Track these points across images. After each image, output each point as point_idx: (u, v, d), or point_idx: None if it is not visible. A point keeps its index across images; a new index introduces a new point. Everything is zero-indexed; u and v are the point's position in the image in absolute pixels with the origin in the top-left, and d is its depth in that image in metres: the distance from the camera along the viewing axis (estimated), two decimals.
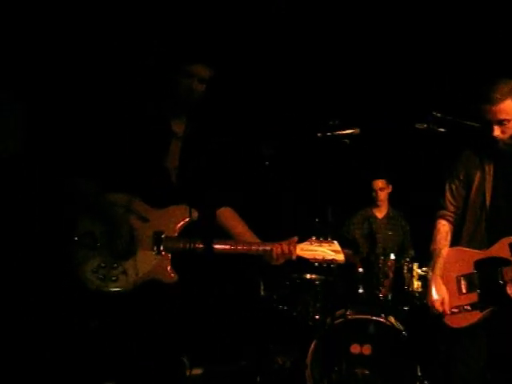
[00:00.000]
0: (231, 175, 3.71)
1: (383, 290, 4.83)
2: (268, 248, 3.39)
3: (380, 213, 6.01)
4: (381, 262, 4.88)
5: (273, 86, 4.95)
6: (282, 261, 3.40)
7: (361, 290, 4.86)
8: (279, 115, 4.98)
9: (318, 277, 4.88)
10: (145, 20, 4.15)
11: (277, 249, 3.37)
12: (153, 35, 4.06)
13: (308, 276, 4.90)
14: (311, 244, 3.44)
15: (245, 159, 4.49)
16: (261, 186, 4.57)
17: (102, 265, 3.26)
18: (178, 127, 3.50)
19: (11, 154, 3.69)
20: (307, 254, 3.43)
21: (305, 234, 3.47)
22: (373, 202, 6.01)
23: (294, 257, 3.39)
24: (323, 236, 3.51)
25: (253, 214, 3.85)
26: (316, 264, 3.46)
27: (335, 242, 3.45)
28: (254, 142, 4.51)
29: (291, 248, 3.38)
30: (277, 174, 4.48)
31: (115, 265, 3.27)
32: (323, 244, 3.45)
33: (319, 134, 4.23)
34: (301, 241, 3.41)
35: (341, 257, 3.43)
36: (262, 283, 4.73)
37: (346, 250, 5.28)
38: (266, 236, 3.45)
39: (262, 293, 4.74)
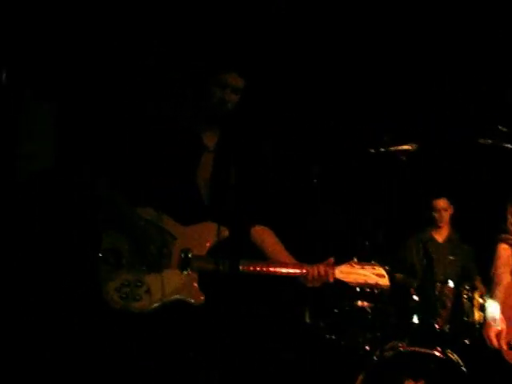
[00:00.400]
0: (269, 191, 3.53)
1: (440, 321, 4.49)
2: (304, 270, 3.19)
3: (440, 236, 5.63)
4: (438, 289, 4.58)
5: (319, 96, 4.68)
6: (318, 284, 3.20)
7: (415, 320, 4.55)
8: (328, 128, 4.73)
9: (370, 304, 4.60)
10: (170, 31, 4.01)
11: (313, 271, 3.18)
12: (181, 47, 3.92)
13: (359, 303, 4.63)
14: (352, 266, 3.23)
15: (288, 175, 4.28)
16: (307, 204, 4.35)
17: (126, 283, 3.12)
18: (210, 140, 3.36)
19: (43, 169, 3.61)
20: (347, 277, 3.22)
21: (353, 256, 3.27)
22: (433, 224, 5.63)
23: (331, 279, 3.19)
24: (372, 259, 3.31)
25: (295, 234, 3.66)
26: (357, 289, 3.25)
27: (379, 264, 3.24)
28: (299, 157, 4.31)
29: (328, 270, 3.18)
30: (325, 192, 4.27)
31: (139, 283, 3.13)
32: (366, 267, 3.23)
33: (372, 150, 4.07)
34: (338, 263, 3.21)
35: (385, 281, 3.21)
36: (307, 309, 4.51)
37: (399, 275, 5.03)
38: (308, 259, 3.25)
39: (308, 320, 4.51)
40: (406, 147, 4.08)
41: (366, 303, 4.62)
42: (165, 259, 3.16)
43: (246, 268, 3.18)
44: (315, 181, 4.13)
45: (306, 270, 3.19)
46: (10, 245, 3.63)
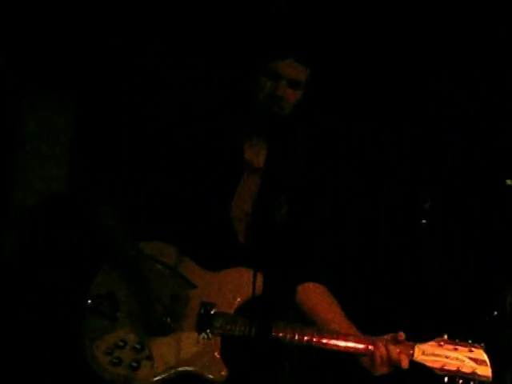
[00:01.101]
0: (339, 234, 2.67)
1: None
2: (369, 347, 2.30)
3: None
4: None
5: (426, 98, 3.43)
6: (385, 370, 2.29)
7: None
8: (443, 147, 3.52)
9: None
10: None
11: (381, 349, 2.27)
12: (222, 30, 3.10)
13: None
14: (440, 346, 2.31)
15: (375, 212, 3.26)
16: (403, 255, 3.32)
17: (120, 344, 2.34)
18: (256, 156, 2.54)
19: (54, 194, 2.90)
20: (431, 361, 2.29)
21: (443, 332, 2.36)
22: None
23: (405, 365, 2.27)
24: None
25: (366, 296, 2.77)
26: (445, 379, 2.31)
27: (479, 346, 2.30)
28: (393, 185, 3.25)
29: (404, 349, 2.27)
30: (435, 237, 3.21)
31: (138, 345, 2.34)
32: (459, 347, 2.30)
33: (509, 182, 3.19)
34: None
35: (486, 371, 2.27)
36: None
37: None
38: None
39: None
40: None
41: None
42: (177, 316, 2.37)
43: (286, 336, 2.33)
44: (424, 221, 3.18)
45: (373, 346, 2.30)
46: None
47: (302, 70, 2.40)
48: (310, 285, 2.58)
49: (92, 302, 2.37)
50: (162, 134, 2.49)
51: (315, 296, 2.56)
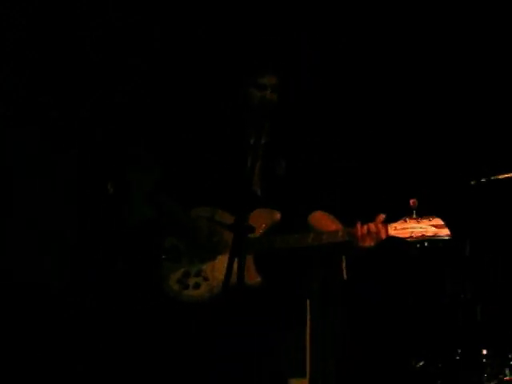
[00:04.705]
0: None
1: None
2: (351, 230, 3.23)
3: None
4: None
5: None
6: (369, 243, 3.20)
7: None
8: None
9: None
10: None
11: (362, 228, 3.22)
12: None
13: None
14: (406, 222, 3.22)
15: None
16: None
17: (186, 274, 3.44)
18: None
19: None
20: (402, 233, 3.20)
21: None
22: None
23: (383, 236, 3.19)
24: None
25: None
26: (418, 245, 3.20)
27: (436, 216, 3.19)
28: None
29: (379, 226, 3.21)
30: None
31: (197, 273, 3.42)
32: (422, 220, 3.20)
33: (472, 182, 4.01)
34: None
35: (445, 231, 3.14)
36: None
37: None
38: None
39: None
40: None
41: None
42: (217, 247, 3.44)
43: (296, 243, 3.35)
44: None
45: (354, 228, 3.21)
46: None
47: (275, 78, 3.59)
48: (319, 212, 3.56)
49: (165, 254, 3.52)
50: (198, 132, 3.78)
51: (322, 218, 3.53)
